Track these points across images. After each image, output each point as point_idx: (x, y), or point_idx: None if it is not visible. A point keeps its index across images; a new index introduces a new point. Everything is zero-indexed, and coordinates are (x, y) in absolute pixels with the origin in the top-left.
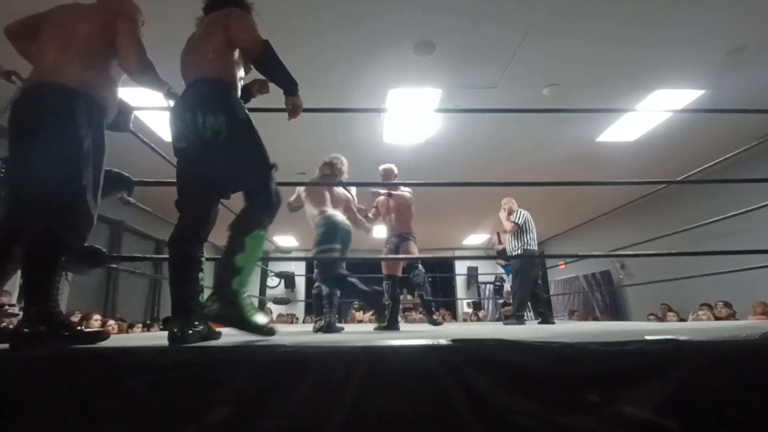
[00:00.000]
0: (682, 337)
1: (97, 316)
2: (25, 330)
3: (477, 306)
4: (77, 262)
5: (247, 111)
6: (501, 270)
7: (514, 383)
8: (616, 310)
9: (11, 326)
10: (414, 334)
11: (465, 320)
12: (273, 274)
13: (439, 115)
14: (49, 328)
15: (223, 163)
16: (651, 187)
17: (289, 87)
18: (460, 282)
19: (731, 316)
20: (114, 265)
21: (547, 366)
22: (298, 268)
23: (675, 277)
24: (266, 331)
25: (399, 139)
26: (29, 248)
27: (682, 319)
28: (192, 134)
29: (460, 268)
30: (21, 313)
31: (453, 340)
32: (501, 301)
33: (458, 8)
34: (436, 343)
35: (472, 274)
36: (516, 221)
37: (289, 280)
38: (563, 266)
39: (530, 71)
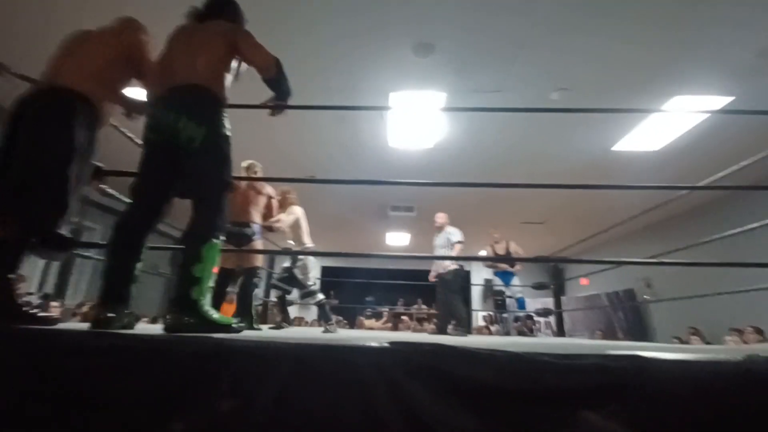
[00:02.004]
0: (646, 354)
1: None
2: None
3: (490, 320)
4: (43, 246)
5: (228, 129)
6: (499, 282)
7: (452, 395)
8: (640, 332)
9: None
10: (362, 338)
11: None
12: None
13: (445, 120)
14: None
15: (186, 168)
16: (676, 199)
17: (286, 97)
18: (476, 294)
19: (762, 342)
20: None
21: (491, 377)
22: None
23: (700, 294)
24: (234, 329)
25: (404, 143)
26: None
27: (707, 343)
28: (168, 133)
29: (476, 278)
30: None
31: (390, 343)
32: (505, 315)
33: (455, 7)
34: (368, 345)
35: (487, 287)
36: (461, 240)
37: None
38: (587, 282)
39: (537, 74)
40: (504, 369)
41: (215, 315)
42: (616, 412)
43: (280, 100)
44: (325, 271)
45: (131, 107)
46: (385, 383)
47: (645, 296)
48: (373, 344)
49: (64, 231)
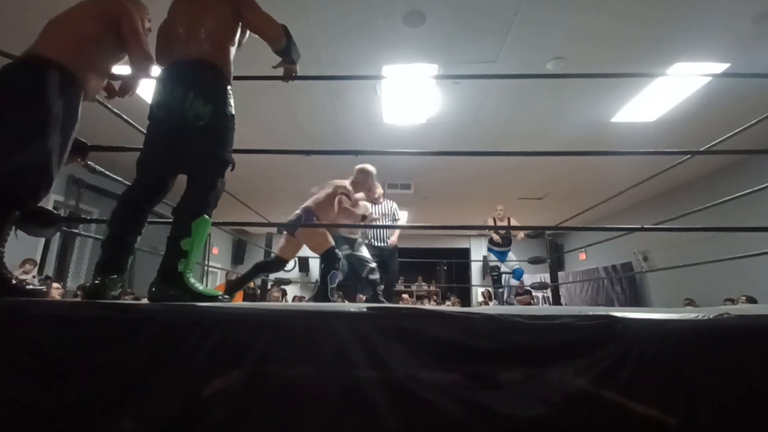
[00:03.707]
0: (617, 314)
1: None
2: None
3: (488, 295)
4: (29, 221)
5: (233, 107)
6: (494, 258)
7: (427, 355)
8: (637, 305)
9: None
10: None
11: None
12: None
13: (438, 94)
14: None
15: (190, 144)
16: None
17: (294, 60)
18: (476, 270)
19: None
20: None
21: (464, 338)
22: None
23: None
24: (220, 300)
25: (399, 119)
26: None
27: None
28: (175, 110)
29: (476, 254)
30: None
31: (368, 308)
32: (501, 290)
33: None
34: (347, 309)
35: (486, 263)
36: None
37: (303, 263)
38: (584, 257)
39: (531, 43)
40: (477, 329)
41: (201, 287)
42: (584, 369)
43: (289, 64)
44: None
45: (119, 89)
46: (362, 345)
47: (642, 268)
48: (352, 309)
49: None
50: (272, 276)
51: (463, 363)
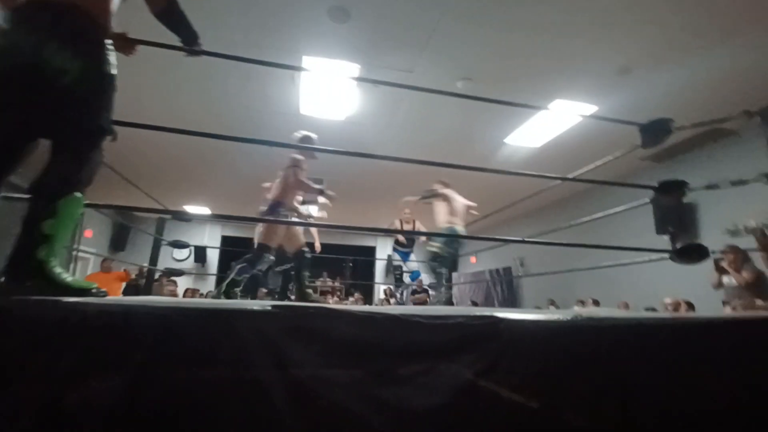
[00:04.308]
0: (500, 315)
1: None
2: None
3: (390, 293)
4: None
5: (114, 66)
6: (397, 257)
7: (330, 354)
8: (512, 303)
9: None
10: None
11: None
12: (166, 243)
13: (358, 93)
14: None
15: (51, 105)
16: (548, 190)
17: (190, 39)
18: (380, 268)
19: None
20: None
21: (368, 336)
22: (211, 240)
23: (556, 271)
24: (93, 293)
25: (316, 111)
26: None
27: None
28: (29, 61)
29: (381, 253)
30: None
31: (272, 306)
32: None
33: None
34: (247, 307)
35: (389, 262)
36: None
37: (199, 253)
38: (474, 260)
39: (445, 61)
40: (380, 328)
41: (69, 278)
42: (472, 362)
43: (186, 42)
44: (226, 241)
45: None
46: (264, 344)
47: (519, 273)
48: (255, 308)
49: None
50: (161, 266)
51: (366, 361)
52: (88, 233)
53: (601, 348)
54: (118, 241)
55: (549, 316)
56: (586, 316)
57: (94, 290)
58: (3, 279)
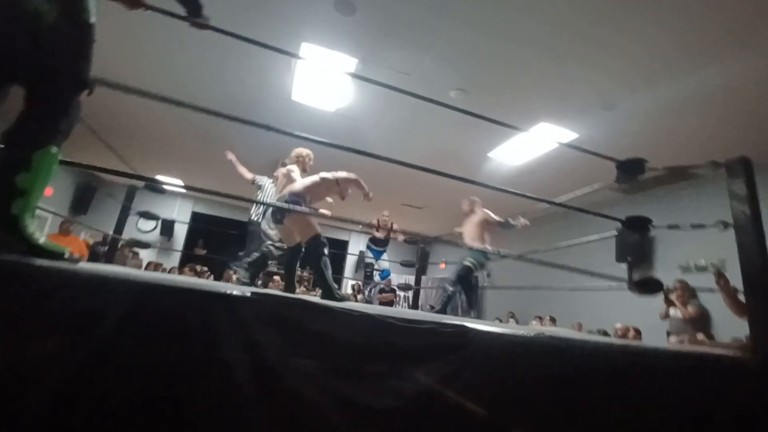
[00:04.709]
0: (470, 325)
1: None
2: None
3: (358, 288)
4: None
5: (93, 14)
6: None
7: (301, 344)
8: (476, 312)
9: None
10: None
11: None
12: (135, 213)
13: (351, 87)
14: None
15: (27, 49)
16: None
17: (195, 10)
18: (350, 263)
19: (553, 326)
20: None
21: (341, 332)
22: (181, 215)
23: (521, 286)
24: (67, 259)
25: (308, 99)
26: None
27: (518, 324)
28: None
29: (353, 248)
30: None
31: (252, 293)
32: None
33: None
34: (226, 292)
35: (360, 258)
36: None
37: (167, 227)
38: (444, 266)
39: (444, 68)
40: (356, 326)
41: (41, 239)
42: (437, 369)
43: (193, 16)
44: (196, 218)
45: None
46: (238, 328)
47: (485, 283)
48: (234, 292)
49: None
50: (125, 236)
51: (334, 355)
52: (48, 191)
53: (559, 367)
54: (81, 204)
55: (515, 331)
56: (548, 334)
57: (67, 256)
58: None
